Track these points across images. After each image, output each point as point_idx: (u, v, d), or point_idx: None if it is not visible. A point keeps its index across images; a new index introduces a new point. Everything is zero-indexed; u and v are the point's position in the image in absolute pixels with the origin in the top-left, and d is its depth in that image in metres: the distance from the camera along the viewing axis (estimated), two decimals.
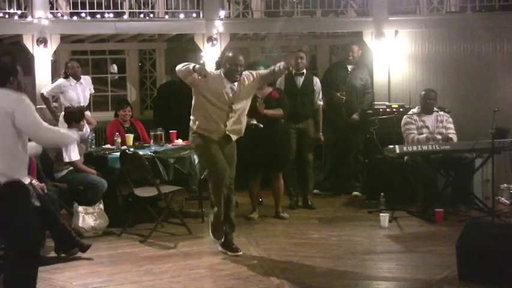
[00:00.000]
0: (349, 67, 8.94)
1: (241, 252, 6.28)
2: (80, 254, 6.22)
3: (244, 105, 6.23)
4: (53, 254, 6.26)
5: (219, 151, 6.15)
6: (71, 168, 7.31)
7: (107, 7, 9.45)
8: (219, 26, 9.39)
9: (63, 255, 6.23)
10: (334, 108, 8.76)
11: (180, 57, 11.09)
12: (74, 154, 7.22)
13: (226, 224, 6.31)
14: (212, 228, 6.29)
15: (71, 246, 6.24)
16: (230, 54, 6.20)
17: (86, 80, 8.98)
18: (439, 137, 7.83)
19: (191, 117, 6.22)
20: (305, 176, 8.23)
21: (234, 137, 6.28)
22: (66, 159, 7.20)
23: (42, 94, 8.63)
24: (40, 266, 5.73)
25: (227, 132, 6.17)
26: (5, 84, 4.37)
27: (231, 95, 6.07)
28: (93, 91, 9.15)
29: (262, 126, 7.43)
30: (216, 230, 6.28)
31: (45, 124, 4.47)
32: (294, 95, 8.10)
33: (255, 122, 7.42)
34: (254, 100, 7.52)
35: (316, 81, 8.32)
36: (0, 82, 4.35)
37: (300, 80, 8.19)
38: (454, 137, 7.84)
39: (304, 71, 8.25)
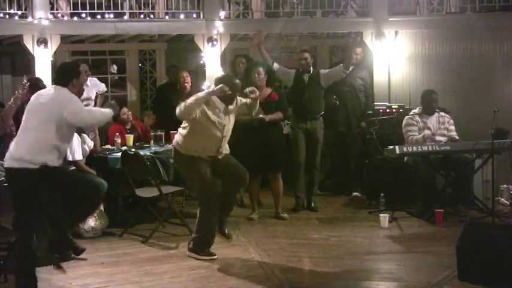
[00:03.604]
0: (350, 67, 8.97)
1: (215, 257, 6.20)
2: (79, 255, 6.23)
3: (231, 126, 6.29)
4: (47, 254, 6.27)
5: (208, 166, 6.15)
6: (72, 168, 7.30)
7: (107, 7, 9.44)
8: (219, 26, 9.38)
9: (56, 255, 6.24)
10: (334, 108, 8.78)
11: (180, 57, 11.15)
12: (77, 154, 7.23)
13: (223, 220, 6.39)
14: (201, 245, 6.22)
15: (66, 248, 6.24)
16: (232, 80, 6.27)
17: (92, 81, 8.98)
18: (440, 138, 7.83)
19: (182, 135, 6.17)
20: (311, 178, 8.22)
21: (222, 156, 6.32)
22: (70, 158, 7.20)
23: (30, 80, 8.61)
24: (40, 266, 5.78)
25: (219, 157, 6.22)
26: (67, 85, 5.23)
27: (223, 116, 6.14)
28: (104, 89, 9.14)
29: (267, 120, 7.45)
30: (206, 245, 6.23)
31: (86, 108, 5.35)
32: (301, 90, 8.07)
33: (261, 115, 7.44)
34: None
35: (322, 74, 8.20)
36: (64, 82, 5.23)
37: (307, 76, 8.16)
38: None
39: (311, 69, 8.22)
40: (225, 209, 6.39)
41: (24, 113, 5.35)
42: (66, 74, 5.32)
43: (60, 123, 5.13)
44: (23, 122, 5.32)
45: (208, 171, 6.14)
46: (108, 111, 5.53)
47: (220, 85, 6.03)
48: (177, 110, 6.00)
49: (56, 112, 5.12)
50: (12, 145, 5.28)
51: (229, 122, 6.25)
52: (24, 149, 5.11)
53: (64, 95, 5.18)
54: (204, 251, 6.20)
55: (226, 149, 6.35)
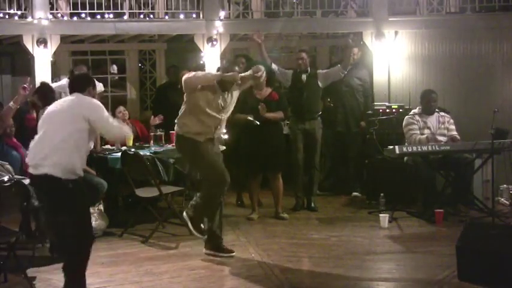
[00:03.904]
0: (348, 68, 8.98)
1: (234, 253, 6.24)
2: None
3: (230, 110, 6.23)
4: (47, 254, 6.26)
5: (213, 152, 6.13)
6: None
7: (107, 7, 9.43)
8: (219, 26, 9.38)
9: (56, 256, 6.23)
10: (330, 109, 8.80)
11: (180, 57, 11.14)
12: None
13: (216, 227, 6.30)
14: (195, 223, 6.15)
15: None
16: (229, 67, 6.23)
17: None
18: (440, 138, 7.83)
19: (178, 122, 6.14)
20: (310, 178, 8.22)
21: (216, 143, 6.25)
22: None
23: (40, 85, 8.64)
24: (40, 267, 5.78)
25: (215, 136, 6.16)
26: (83, 91, 5.22)
27: (222, 102, 6.06)
28: (102, 89, 9.15)
29: (258, 123, 7.44)
30: (198, 225, 6.17)
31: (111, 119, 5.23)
32: (299, 90, 8.11)
33: (251, 118, 7.44)
34: (254, 101, 7.56)
35: (320, 74, 8.27)
36: (80, 89, 5.22)
37: (305, 76, 8.18)
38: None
39: (309, 69, 8.25)
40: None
41: (40, 121, 5.21)
42: (83, 82, 5.38)
43: (81, 127, 5.01)
44: (40, 130, 5.11)
45: (213, 154, 6.10)
46: (127, 129, 5.67)
47: (233, 73, 5.98)
48: (185, 77, 5.95)
49: (78, 115, 5.03)
50: (31, 152, 5.07)
51: (229, 102, 6.15)
52: (45, 155, 4.94)
53: (87, 100, 5.16)
54: (198, 226, 6.14)
55: (221, 137, 6.29)
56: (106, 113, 5.16)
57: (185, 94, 6.09)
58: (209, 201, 6.13)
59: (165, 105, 9.29)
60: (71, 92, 5.30)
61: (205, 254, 6.24)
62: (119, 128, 5.38)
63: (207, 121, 6.04)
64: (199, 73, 6.08)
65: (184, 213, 6.26)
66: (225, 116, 6.15)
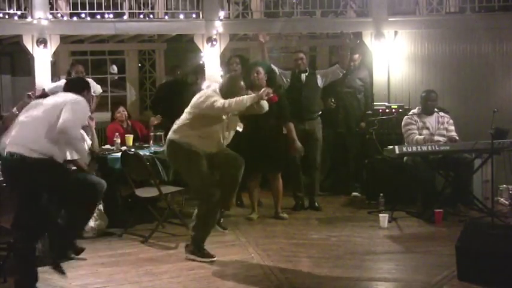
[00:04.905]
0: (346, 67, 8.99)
1: (215, 258, 6.15)
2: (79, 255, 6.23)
3: (233, 127, 6.26)
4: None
5: (205, 164, 6.06)
6: (73, 168, 7.29)
7: (107, 7, 9.43)
8: (218, 26, 9.38)
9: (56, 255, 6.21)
10: (332, 109, 8.80)
11: (179, 57, 11.15)
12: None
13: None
14: (199, 244, 6.16)
15: (65, 247, 6.22)
16: (235, 82, 6.19)
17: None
18: (439, 138, 7.83)
19: (179, 128, 6.08)
20: (311, 178, 8.22)
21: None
22: (69, 157, 7.18)
23: (43, 90, 8.67)
24: (40, 266, 5.77)
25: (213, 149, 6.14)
26: (80, 93, 5.45)
27: (225, 116, 6.07)
28: (100, 91, 9.15)
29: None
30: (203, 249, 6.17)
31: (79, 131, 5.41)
32: (298, 90, 8.13)
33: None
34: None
35: (319, 73, 8.33)
36: (77, 90, 5.46)
37: (304, 76, 8.22)
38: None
39: (307, 69, 8.30)
40: (226, 190, 6.26)
41: (27, 108, 5.41)
42: (78, 85, 5.61)
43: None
44: (25, 114, 5.30)
45: (207, 169, 6.08)
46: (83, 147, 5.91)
47: (264, 89, 5.97)
48: (219, 105, 5.85)
49: (61, 104, 5.21)
50: (13, 133, 5.21)
51: (232, 122, 6.18)
52: (29, 137, 5.11)
53: (75, 96, 5.33)
54: (203, 252, 6.15)
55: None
56: (80, 112, 5.26)
57: (197, 110, 6.01)
58: (205, 219, 6.11)
59: (165, 105, 9.28)
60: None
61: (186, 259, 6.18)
62: (77, 136, 5.36)
63: (211, 139, 6.05)
64: (234, 101, 5.86)
65: (186, 254, 6.20)
66: (229, 130, 6.19)
